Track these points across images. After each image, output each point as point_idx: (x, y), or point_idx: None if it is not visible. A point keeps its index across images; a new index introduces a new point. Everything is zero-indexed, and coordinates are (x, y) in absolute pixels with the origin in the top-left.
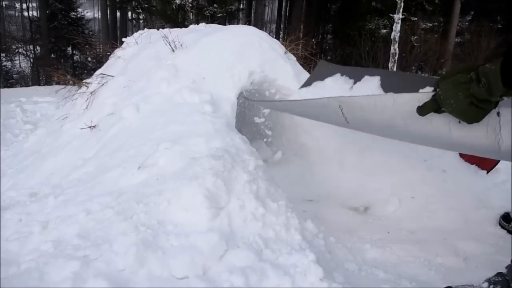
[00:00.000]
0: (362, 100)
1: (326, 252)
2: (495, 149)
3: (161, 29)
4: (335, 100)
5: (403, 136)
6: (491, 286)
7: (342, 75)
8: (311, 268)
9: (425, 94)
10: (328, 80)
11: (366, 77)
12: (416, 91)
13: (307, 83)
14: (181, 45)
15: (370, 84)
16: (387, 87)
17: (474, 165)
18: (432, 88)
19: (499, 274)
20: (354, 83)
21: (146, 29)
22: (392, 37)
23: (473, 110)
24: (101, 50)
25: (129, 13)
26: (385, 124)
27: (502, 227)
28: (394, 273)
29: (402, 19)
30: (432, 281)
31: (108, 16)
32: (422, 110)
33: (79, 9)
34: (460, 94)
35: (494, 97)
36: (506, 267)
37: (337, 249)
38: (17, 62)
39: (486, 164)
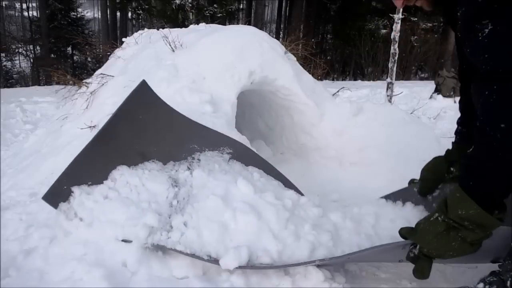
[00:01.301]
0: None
1: None
2: None
3: (161, 29)
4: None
5: None
6: (487, 286)
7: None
8: (311, 269)
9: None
10: None
11: None
12: None
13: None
14: (181, 45)
15: None
16: None
17: None
18: None
19: (493, 273)
20: None
21: (146, 29)
22: (392, 37)
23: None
24: (101, 50)
25: (129, 13)
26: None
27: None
28: (395, 273)
29: (402, 19)
30: (432, 281)
31: (108, 16)
32: (423, 274)
33: (79, 9)
34: (453, 244)
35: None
36: (500, 266)
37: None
38: (17, 62)
39: None
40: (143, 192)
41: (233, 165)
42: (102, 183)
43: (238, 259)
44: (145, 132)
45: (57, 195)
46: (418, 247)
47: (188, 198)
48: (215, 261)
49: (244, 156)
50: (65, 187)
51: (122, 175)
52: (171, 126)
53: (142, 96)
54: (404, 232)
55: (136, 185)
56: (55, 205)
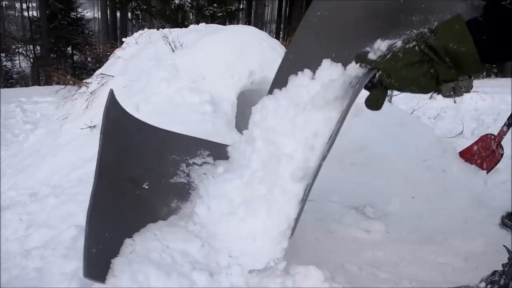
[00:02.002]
0: None
1: (326, 252)
2: None
3: (161, 29)
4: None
5: None
6: (489, 286)
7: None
8: (311, 269)
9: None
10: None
11: None
12: None
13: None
14: (181, 45)
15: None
16: None
17: (474, 165)
18: None
19: (495, 272)
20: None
21: (146, 29)
22: None
23: (435, 86)
24: (101, 50)
25: (129, 13)
26: None
27: (506, 225)
28: (395, 273)
29: None
30: (432, 281)
31: (108, 16)
32: (377, 103)
33: (79, 9)
34: (421, 79)
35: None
36: (503, 265)
37: (337, 249)
38: (17, 62)
39: (486, 164)
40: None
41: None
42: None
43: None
44: (126, 153)
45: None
46: (378, 75)
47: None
48: None
49: (222, 152)
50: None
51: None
52: (144, 140)
53: (114, 113)
54: (363, 57)
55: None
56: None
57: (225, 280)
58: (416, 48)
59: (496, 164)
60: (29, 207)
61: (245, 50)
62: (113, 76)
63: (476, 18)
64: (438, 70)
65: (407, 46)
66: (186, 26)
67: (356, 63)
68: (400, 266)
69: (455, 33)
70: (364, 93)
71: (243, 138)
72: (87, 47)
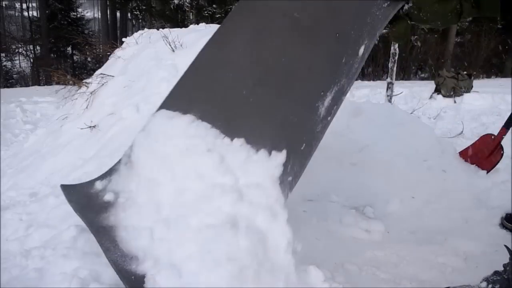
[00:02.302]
0: None
1: (327, 252)
2: None
3: (161, 29)
4: None
5: None
6: (490, 286)
7: None
8: (311, 269)
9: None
10: None
11: None
12: None
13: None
14: (181, 45)
15: None
16: None
17: (474, 165)
18: None
19: (496, 272)
20: None
21: (146, 29)
22: None
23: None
24: (101, 50)
25: (129, 13)
26: None
27: (506, 227)
28: (395, 273)
29: None
30: (432, 281)
31: (108, 16)
32: (405, 35)
33: (79, 9)
34: (449, 14)
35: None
36: (504, 265)
37: (337, 249)
38: (17, 62)
39: (486, 164)
40: None
41: None
42: None
43: None
44: None
45: None
46: (408, 7)
47: None
48: None
49: None
50: None
51: None
52: None
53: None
54: None
55: None
56: None
57: None
58: None
59: (496, 164)
60: (29, 207)
61: None
62: (113, 76)
63: None
64: (464, 7)
65: None
66: (186, 26)
67: None
68: (400, 266)
69: None
70: (363, 93)
71: None
72: (87, 47)
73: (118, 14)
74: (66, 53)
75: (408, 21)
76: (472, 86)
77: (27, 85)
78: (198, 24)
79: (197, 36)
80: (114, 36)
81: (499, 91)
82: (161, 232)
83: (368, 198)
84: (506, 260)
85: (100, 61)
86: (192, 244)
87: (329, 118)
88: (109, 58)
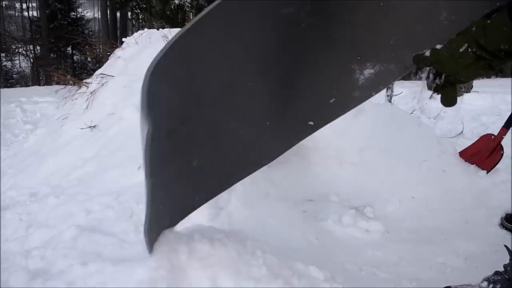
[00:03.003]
0: None
1: (327, 252)
2: None
3: (161, 29)
4: None
5: None
6: (491, 285)
7: None
8: (311, 269)
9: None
10: None
11: None
12: None
13: None
14: None
15: None
16: None
17: (474, 165)
18: None
19: (497, 273)
20: None
21: (146, 29)
22: None
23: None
24: (101, 50)
25: (129, 13)
26: None
27: (506, 227)
28: (395, 273)
29: None
30: (432, 281)
31: (108, 16)
32: (454, 98)
33: (79, 9)
34: (481, 71)
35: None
36: (504, 266)
37: (337, 249)
38: (17, 62)
39: (486, 164)
40: None
41: None
42: None
43: None
44: None
45: None
46: (443, 76)
47: None
48: None
49: None
50: None
51: None
52: None
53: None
54: (422, 58)
55: None
56: None
57: None
58: (469, 50)
59: (496, 164)
60: (29, 207)
61: None
62: (113, 76)
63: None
64: (494, 64)
65: (460, 50)
66: None
67: (417, 64)
68: (400, 266)
69: (505, 36)
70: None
71: None
72: (87, 47)
73: (118, 14)
74: (66, 53)
75: (452, 86)
76: (472, 86)
77: (27, 85)
78: None
79: None
80: (114, 36)
81: (499, 91)
82: None
83: (367, 198)
84: (506, 260)
85: (100, 61)
86: None
87: (370, 92)
88: (109, 58)
